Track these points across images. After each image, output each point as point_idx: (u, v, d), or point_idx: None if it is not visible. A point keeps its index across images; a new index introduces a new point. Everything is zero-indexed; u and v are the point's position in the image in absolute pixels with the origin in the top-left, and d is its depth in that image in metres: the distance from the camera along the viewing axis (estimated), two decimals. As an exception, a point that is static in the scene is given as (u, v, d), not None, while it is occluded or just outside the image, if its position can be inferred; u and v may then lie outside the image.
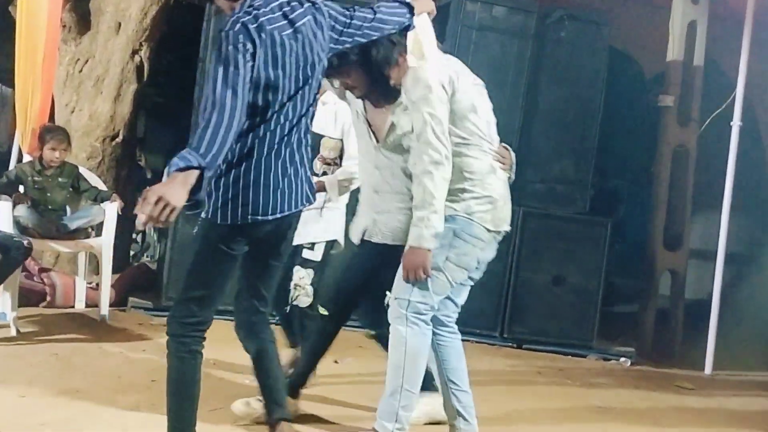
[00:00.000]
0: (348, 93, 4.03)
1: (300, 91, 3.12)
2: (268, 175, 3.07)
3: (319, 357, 4.37)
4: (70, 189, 6.19)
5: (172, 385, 3.12)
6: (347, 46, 3.40)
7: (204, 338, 3.17)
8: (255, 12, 2.97)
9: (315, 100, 3.28)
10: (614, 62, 7.69)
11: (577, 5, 8.32)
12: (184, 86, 7.40)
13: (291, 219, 3.21)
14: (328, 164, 4.53)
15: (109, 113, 7.30)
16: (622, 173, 11.16)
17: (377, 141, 3.99)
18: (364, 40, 3.44)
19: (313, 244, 4.53)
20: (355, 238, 4.18)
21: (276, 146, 3.08)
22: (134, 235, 8.99)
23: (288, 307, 4.56)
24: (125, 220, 6.83)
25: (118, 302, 6.45)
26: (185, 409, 3.11)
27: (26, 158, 6.40)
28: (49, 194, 6.08)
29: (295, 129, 3.15)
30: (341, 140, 4.56)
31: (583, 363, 6.79)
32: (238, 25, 2.91)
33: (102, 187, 6.37)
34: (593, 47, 7.19)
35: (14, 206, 5.85)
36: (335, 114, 4.53)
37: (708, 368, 6.91)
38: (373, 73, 3.83)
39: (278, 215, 3.10)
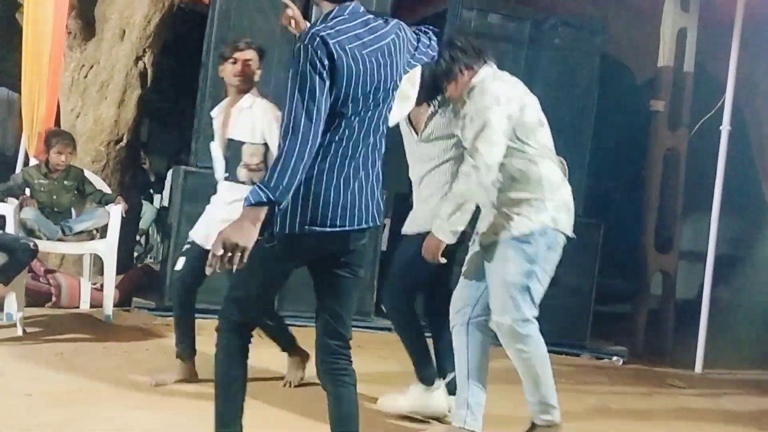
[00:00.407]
0: None
1: (372, 110, 2.99)
2: (328, 188, 2.92)
3: (424, 348, 4.49)
4: (76, 192, 6.18)
5: (218, 377, 3.10)
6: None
7: (250, 336, 3.14)
8: (338, 26, 2.88)
9: (387, 118, 3.13)
10: (607, 68, 7.70)
11: (570, 13, 8.34)
12: (186, 91, 7.42)
13: (356, 234, 3.01)
14: (253, 170, 4.33)
15: (113, 118, 7.29)
16: (615, 176, 11.15)
17: (417, 134, 4.31)
18: (419, 64, 3.43)
19: None
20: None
21: (339, 161, 2.94)
22: (138, 237, 8.99)
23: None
24: (129, 222, 6.83)
25: (122, 303, 6.44)
26: (229, 400, 3.09)
27: (32, 162, 6.40)
28: (54, 197, 6.07)
29: (362, 146, 3.00)
30: (263, 144, 4.36)
31: (577, 362, 6.79)
32: (317, 40, 2.80)
33: (107, 190, 6.36)
34: (586, 53, 7.21)
35: (20, 208, 5.83)
36: (252, 119, 4.37)
37: (698, 367, 6.92)
38: (433, 83, 4.11)
39: (336, 229, 2.95)
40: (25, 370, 4.57)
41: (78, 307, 6.31)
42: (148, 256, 9.30)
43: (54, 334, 5.48)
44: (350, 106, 2.90)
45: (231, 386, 3.09)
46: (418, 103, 4.19)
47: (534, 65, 7.04)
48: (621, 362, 6.94)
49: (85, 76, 7.35)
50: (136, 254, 8.86)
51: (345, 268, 3.04)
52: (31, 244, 5.37)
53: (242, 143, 4.34)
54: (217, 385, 3.09)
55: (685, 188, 7.86)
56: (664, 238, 7.81)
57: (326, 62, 2.79)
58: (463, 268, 4.30)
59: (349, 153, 2.95)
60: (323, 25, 2.90)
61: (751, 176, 10.06)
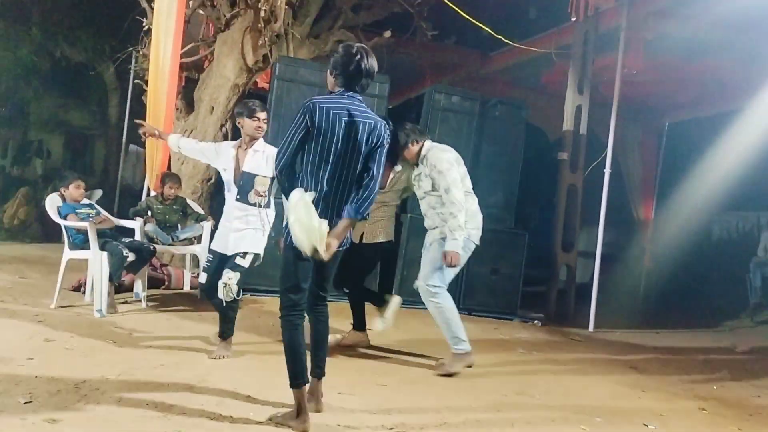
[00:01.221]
0: None
1: (344, 159, 3.03)
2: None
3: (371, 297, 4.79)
4: (181, 213, 6.19)
5: (286, 346, 3.06)
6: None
7: (303, 314, 3.11)
8: (332, 99, 3.07)
9: (357, 168, 3.07)
10: (530, 132, 7.74)
11: (505, 95, 8.41)
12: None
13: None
14: (261, 196, 4.22)
15: (206, 165, 7.29)
16: (535, 202, 11.21)
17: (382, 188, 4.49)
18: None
19: (245, 253, 4.17)
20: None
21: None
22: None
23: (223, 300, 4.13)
24: (215, 232, 6.82)
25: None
26: (296, 362, 3.04)
27: (152, 193, 6.42)
28: (167, 216, 6.08)
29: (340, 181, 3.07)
30: (271, 178, 4.21)
31: (511, 324, 6.78)
32: (310, 103, 3.02)
33: (201, 212, 6.38)
34: (516, 122, 7.24)
35: (144, 224, 5.86)
36: (266, 158, 4.19)
37: (591, 327, 6.91)
38: (393, 152, 4.23)
39: None
40: (147, 330, 4.58)
41: (182, 289, 6.31)
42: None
43: (166, 307, 5.50)
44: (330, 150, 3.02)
45: (295, 351, 3.05)
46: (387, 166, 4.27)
47: (481, 130, 7.07)
48: (540, 324, 6.93)
49: (188, 137, 7.38)
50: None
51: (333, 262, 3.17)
52: (152, 247, 5.40)
53: (255, 175, 4.20)
54: (286, 352, 3.05)
55: (582, 209, 7.89)
56: (567, 242, 7.84)
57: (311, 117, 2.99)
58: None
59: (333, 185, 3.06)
60: (324, 96, 3.11)
61: (624, 202, 10.12)
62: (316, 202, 2.95)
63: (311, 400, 3.16)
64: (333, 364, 3.82)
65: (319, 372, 3.24)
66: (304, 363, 3.07)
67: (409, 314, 5.72)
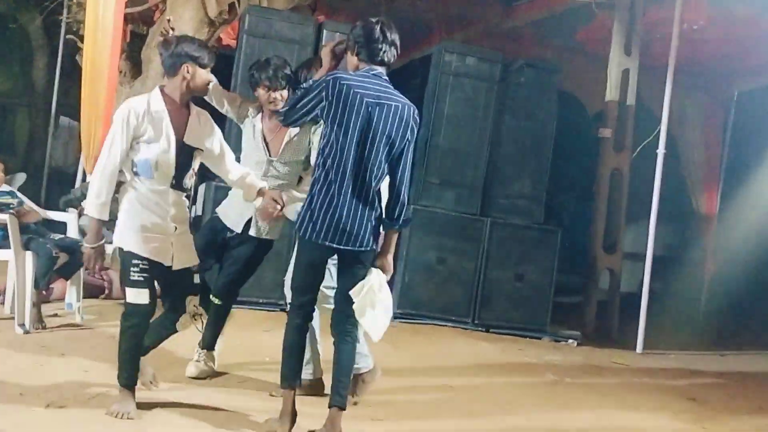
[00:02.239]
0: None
1: (365, 149, 3.30)
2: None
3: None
4: (125, 203, 6.16)
5: (286, 343, 3.42)
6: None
7: (310, 316, 3.49)
8: (355, 77, 3.36)
9: (381, 163, 3.35)
10: (563, 102, 7.74)
11: (533, 56, 8.38)
12: (216, 119, 7.39)
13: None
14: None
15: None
16: (570, 191, 11.21)
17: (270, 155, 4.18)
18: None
19: None
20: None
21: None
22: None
23: None
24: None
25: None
26: (287, 362, 3.40)
27: (89, 178, 6.39)
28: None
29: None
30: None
31: (538, 343, 6.79)
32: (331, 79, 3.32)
33: (151, 201, 6.35)
34: (546, 90, 7.24)
35: (79, 216, 5.83)
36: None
37: (639, 348, 6.92)
38: None
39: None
40: (82, 350, 4.56)
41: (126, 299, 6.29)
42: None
43: (106, 321, 5.47)
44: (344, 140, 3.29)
45: (294, 349, 3.43)
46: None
47: (503, 99, 7.07)
48: (575, 344, 6.94)
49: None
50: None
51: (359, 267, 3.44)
52: (89, 246, 5.37)
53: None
54: (284, 348, 3.42)
55: (628, 200, 7.89)
56: (610, 241, 7.84)
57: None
58: None
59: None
60: (349, 74, 3.37)
61: (681, 191, 10.12)
62: (335, 195, 3.27)
63: None
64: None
65: (339, 400, 3.34)
66: (297, 366, 3.44)
67: (411, 330, 5.73)
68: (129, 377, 3.51)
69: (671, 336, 7.60)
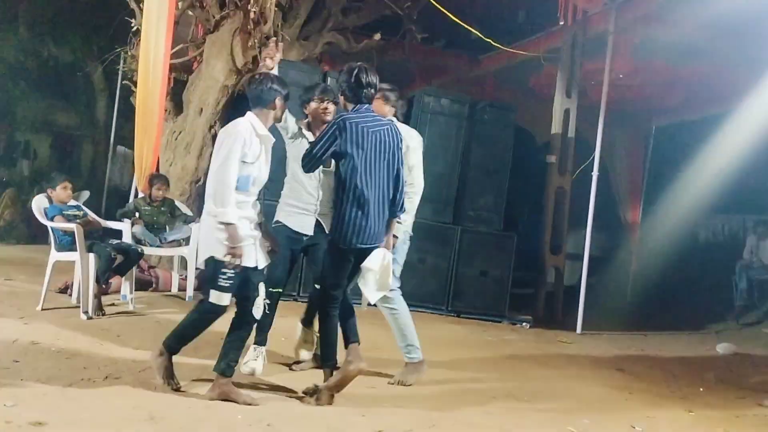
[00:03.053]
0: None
1: (377, 170, 3.41)
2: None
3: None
4: (169, 215, 6.16)
5: (321, 331, 3.59)
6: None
7: (338, 306, 3.50)
8: (356, 115, 3.43)
9: (391, 172, 3.47)
10: (518, 134, 7.78)
11: (494, 98, 8.45)
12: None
13: None
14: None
15: (194, 166, 7.29)
16: (524, 204, 11.24)
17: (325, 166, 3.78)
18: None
19: None
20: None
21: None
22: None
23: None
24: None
25: (199, 288, 6.39)
26: (330, 345, 3.53)
27: (140, 195, 6.39)
28: (155, 218, 6.06)
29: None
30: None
31: (499, 326, 6.80)
32: (341, 121, 3.38)
33: (190, 213, 6.36)
34: (505, 125, 7.27)
35: (132, 225, 5.82)
36: None
37: (579, 329, 6.93)
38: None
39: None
40: (134, 333, 4.55)
41: (170, 291, 6.28)
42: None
43: (154, 309, 5.46)
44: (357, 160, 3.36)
45: (329, 336, 3.54)
46: None
47: (470, 132, 7.11)
48: (528, 326, 6.95)
49: (176, 139, 7.35)
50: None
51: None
52: (140, 249, 5.36)
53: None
54: (321, 336, 3.59)
55: (570, 212, 7.93)
56: (556, 245, 7.87)
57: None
58: None
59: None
60: (350, 114, 3.43)
61: (612, 205, 10.19)
62: (365, 206, 3.34)
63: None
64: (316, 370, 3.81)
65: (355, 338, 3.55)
66: (335, 345, 3.54)
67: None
68: (227, 367, 3.30)
69: (604, 319, 7.61)
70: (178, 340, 3.39)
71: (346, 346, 3.50)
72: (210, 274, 3.29)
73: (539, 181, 8.33)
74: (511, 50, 8.31)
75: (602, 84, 7.19)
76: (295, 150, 4.00)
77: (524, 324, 6.99)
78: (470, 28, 7.59)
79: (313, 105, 3.98)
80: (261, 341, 3.93)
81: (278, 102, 3.42)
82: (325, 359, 3.62)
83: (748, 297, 8.84)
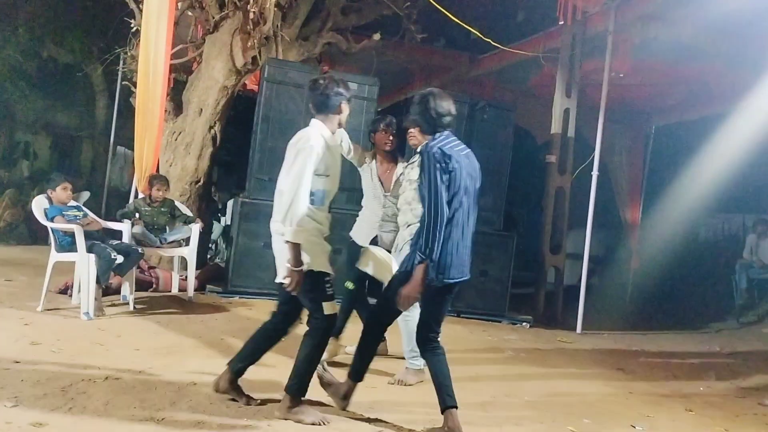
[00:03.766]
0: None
1: (468, 194, 3.17)
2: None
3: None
4: (169, 215, 6.16)
5: (443, 370, 3.22)
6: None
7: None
8: (445, 141, 3.17)
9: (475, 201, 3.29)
10: (518, 135, 7.78)
11: (493, 98, 8.45)
12: (243, 149, 7.41)
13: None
14: None
15: (194, 167, 7.29)
16: (523, 204, 11.26)
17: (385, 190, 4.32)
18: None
19: None
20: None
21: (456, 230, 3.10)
22: (210, 245, 8.95)
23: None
24: (204, 235, 6.81)
25: (199, 288, 6.41)
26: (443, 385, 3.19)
27: (140, 195, 6.39)
28: (155, 219, 6.06)
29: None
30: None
31: (499, 326, 6.79)
32: (437, 150, 3.07)
33: (190, 214, 6.35)
34: (504, 125, 7.25)
35: (132, 226, 5.82)
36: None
37: (579, 329, 6.94)
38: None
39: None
40: (134, 333, 4.55)
41: (170, 292, 6.28)
42: (217, 257, 9.23)
43: (154, 310, 5.46)
44: (458, 191, 3.11)
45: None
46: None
47: (470, 132, 7.09)
48: (528, 326, 6.95)
49: (176, 139, 7.35)
50: (209, 256, 8.82)
51: None
52: (140, 250, 5.36)
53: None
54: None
55: (569, 212, 7.93)
56: (555, 244, 7.86)
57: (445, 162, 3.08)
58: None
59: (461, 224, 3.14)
60: (435, 141, 3.15)
61: (611, 204, 10.19)
62: (461, 237, 3.12)
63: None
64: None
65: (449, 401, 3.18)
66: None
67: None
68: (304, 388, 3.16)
69: (604, 319, 7.62)
70: (305, 374, 3.14)
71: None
72: (310, 287, 3.11)
73: (539, 181, 8.33)
74: (511, 50, 8.30)
75: (602, 84, 7.18)
76: (366, 178, 4.42)
77: (524, 324, 6.98)
78: (469, 28, 7.59)
79: (378, 135, 4.32)
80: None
81: (344, 106, 3.25)
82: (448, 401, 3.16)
83: (748, 296, 8.85)
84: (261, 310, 5.76)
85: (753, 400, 4.63)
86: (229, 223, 9.21)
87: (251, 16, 6.74)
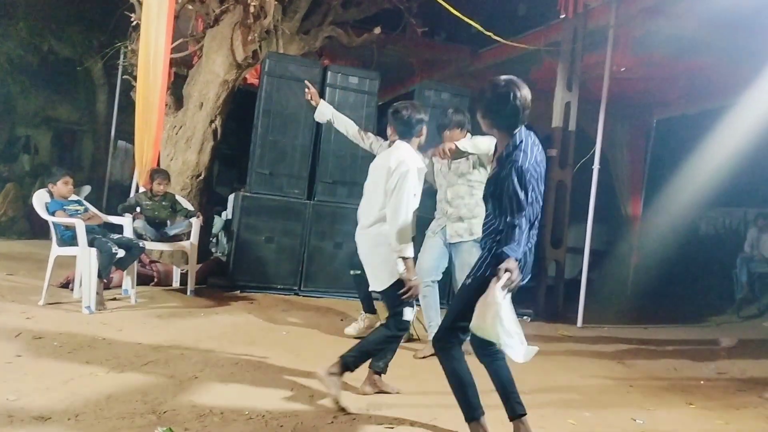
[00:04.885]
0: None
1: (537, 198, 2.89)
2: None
3: None
4: (170, 209, 6.17)
5: (462, 378, 3.09)
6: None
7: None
8: (526, 149, 2.86)
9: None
10: (519, 128, 7.73)
11: (494, 92, 8.38)
12: (243, 143, 7.42)
13: None
14: None
15: (195, 161, 7.30)
16: (524, 198, 11.19)
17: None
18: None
19: None
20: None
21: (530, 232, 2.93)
22: (211, 239, 8.96)
23: None
24: (205, 229, 6.82)
25: (200, 283, 6.43)
26: (472, 389, 3.08)
27: (141, 189, 6.39)
28: (156, 213, 6.06)
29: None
30: None
31: (500, 320, 6.78)
32: (522, 152, 2.80)
33: (191, 208, 6.36)
34: (505, 118, 7.23)
35: (134, 220, 5.83)
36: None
37: (579, 322, 6.94)
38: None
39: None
40: (136, 327, 4.56)
41: (171, 286, 6.30)
42: (218, 251, 9.25)
43: (155, 304, 5.48)
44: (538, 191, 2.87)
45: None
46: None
47: (472, 126, 7.07)
48: (529, 320, 6.96)
49: (176, 133, 7.36)
50: (212, 249, 8.83)
51: None
52: (141, 244, 5.38)
53: None
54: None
55: (570, 206, 7.92)
56: (556, 239, 7.86)
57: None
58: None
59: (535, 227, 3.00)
60: (518, 150, 2.83)
61: (612, 198, 10.18)
62: (530, 239, 2.96)
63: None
64: (322, 360, 3.81)
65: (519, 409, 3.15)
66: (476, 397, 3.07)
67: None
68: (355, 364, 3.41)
69: (604, 313, 7.62)
70: (360, 358, 3.41)
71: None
72: (394, 294, 3.37)
73: (540, 174, 8.31)
74: (512, 43, 8.28)
75: (603, 77, 7.16)
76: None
77: (525, 317, 6.99)
78: (470, 22, 7.57)
79: (447, 133, 4.60)
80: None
81: (423, 130, 3.62)
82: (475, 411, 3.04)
83: (748, 290, 8.86)
84: (262, 304, 5.78)
85: (754, 394, 4.64)
86: (230, 217, 9.22)
87: (252, 9, 6.73)
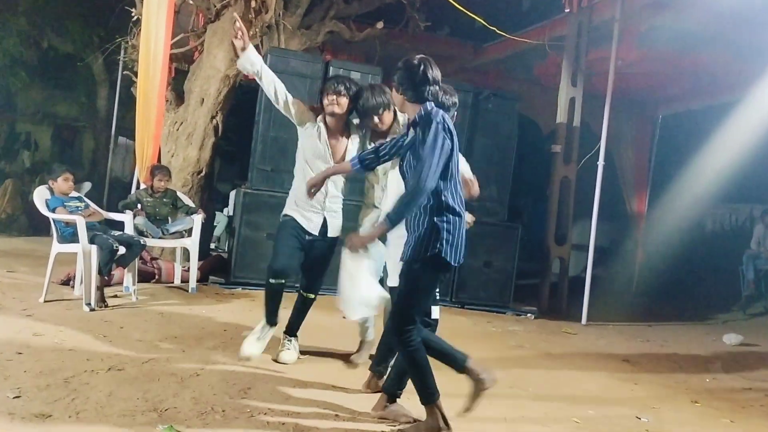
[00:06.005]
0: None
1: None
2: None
3: None
4: (171, 206, 6.18)
5: (421, 359, 3.12)
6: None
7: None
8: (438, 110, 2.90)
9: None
10: (522, 124, 7.76)
11: (498, 87, 8.41)
12: (244, 139, 7.41)
13: None
14: None
15: (196, 157, 7.30)
16: (528, 195, 11.23)
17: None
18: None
19: None
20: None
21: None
22: (212, 236, 8.97)
23: None
24: (206, 226, 6.82)
25: (202, 279, 6.43)
26: (430, 373, 3.11)
27: (142, 186, 6.40)
28: (157, 209, 6.07)
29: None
30: None
31: (503, 317, 6.81)
32: (440, 115, 2.82)
33: (192, 204, 6.36)
34: (509, 114, 7.25)
35: (134, 217, 5.83)
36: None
37: (584, 320, 6.95)
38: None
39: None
40: (137, 324, 4.57)
41: (173, 283, 6.30)
42: (219, 248, 9.26)
43: (156, 300, 5.48)
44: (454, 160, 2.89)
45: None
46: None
47: (474, 122, 7.08)
48: (533, 317, 6.96)
49: (177, 129, 7.36)
50: (212, 246, 8.84)
51: None
52: (142, 241, 5.37)
53: None
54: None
55: (575, 202, 7.92)
56: (560, 235, 7.86)
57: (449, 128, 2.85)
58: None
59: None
60: (430, 115, 2.84)
61: (617, 195, 10.16)
62: (459, 218, 2.97)
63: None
64: (326, 364, 3.81)
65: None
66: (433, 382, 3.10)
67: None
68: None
69: (609, 310, 7.61)
70: (399, 378, 3.27)
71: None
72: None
73: (544, 171, 8.32)
74: (516, 38, 8.27)
75: (608, 72, 7.16)
76: (310, 139, 3.88)
77: (529, 315, 7.00)
78: (474, 16, 7.56)
79: (328, 98, 3.85)
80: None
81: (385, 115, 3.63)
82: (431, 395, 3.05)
83: (755, 287, 8.84)
84: (263, 301, 5.78)
85: (759, 392, 4.63)
86: (231, 213, 9.22)
87: (253, 4, 6.73)
